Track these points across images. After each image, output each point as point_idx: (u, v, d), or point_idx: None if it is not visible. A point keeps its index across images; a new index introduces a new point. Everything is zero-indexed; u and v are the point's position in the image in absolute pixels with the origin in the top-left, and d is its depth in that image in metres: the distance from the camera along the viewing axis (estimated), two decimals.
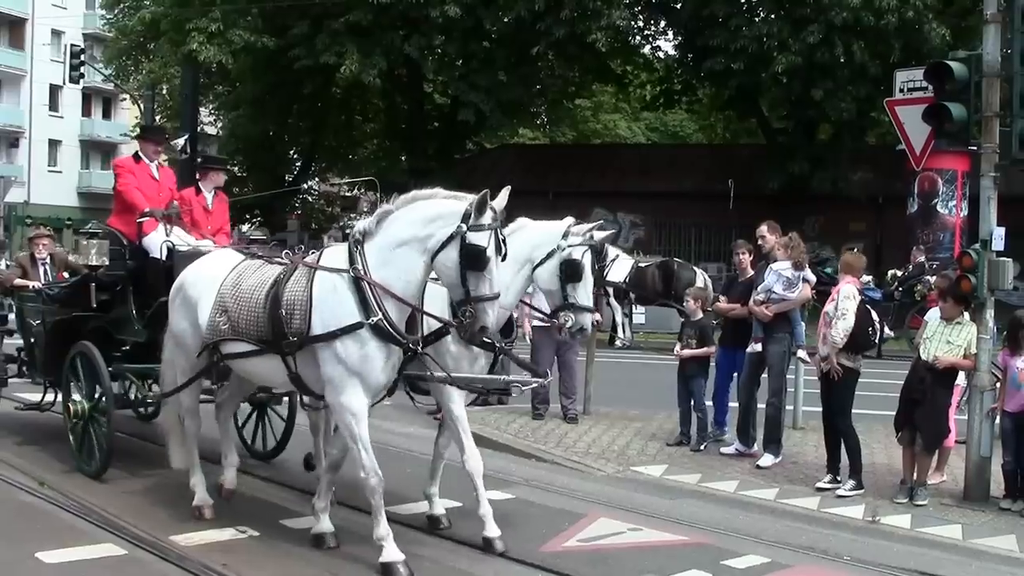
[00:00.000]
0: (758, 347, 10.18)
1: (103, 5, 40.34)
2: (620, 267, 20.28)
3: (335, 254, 6.72)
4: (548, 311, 8.11)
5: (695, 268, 21.33)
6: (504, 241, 6.28)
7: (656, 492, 9.06)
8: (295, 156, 41.43)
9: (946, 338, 8.79)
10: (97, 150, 61.98)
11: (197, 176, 10.11)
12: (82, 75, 37.08)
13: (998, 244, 8.90)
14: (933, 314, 9.40)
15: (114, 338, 9.13)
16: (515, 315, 7.81)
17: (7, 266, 15.10)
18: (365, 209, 42.85)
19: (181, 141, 29.87)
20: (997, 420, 8.84)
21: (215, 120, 41.68)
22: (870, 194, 30.46)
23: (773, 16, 28.63)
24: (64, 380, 9.07)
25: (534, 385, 8.36)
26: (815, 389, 9.86)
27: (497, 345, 7.22)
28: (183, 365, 7.65)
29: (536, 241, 7.28)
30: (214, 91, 38.86)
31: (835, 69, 27.21)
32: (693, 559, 6.98)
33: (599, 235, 7.54)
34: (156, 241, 8.81)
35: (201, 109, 37.63)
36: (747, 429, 10.41)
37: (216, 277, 7.23)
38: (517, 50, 31.02)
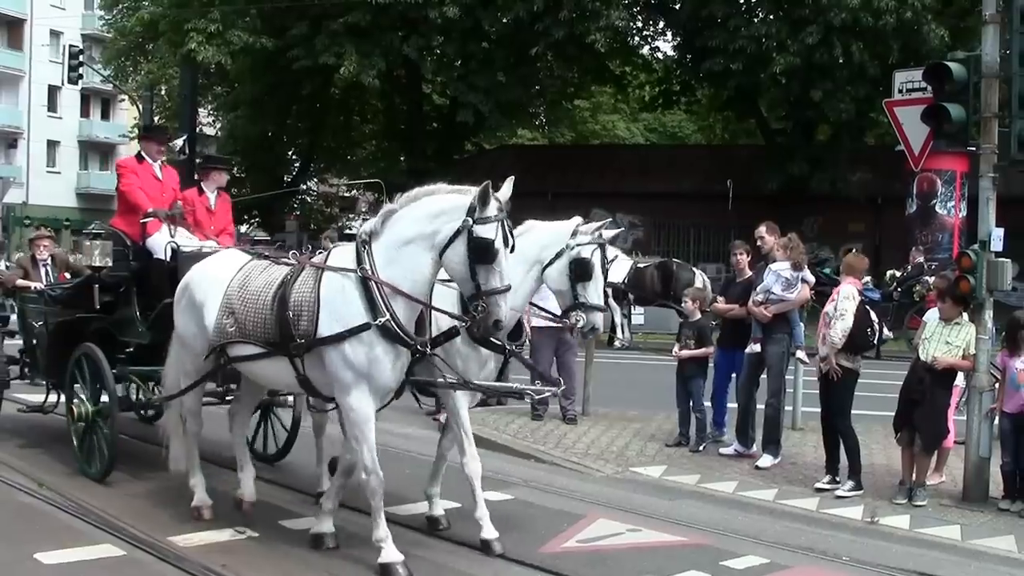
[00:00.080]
0: (757, 348, 10.18)
1: (102, 6, 40.35)
2: (619, 268, 20.26)
3: (342, 254, 6.65)
4: (552, 311, 8.08)
5: (694, 269, 21.35)
6: (511, 232, 6.24)
7: (655, 493, 9.06)
8: (294, 157, 41.41)
9: (945, 339, 8.79)
10: (96, 151, 62.01)
11: (199, 176, 10.07)
12: (81, 76, 37.14)
13: (997, 245, 8.90)
14: (932, 315, 9.41)
15: (117, 340, 9.05)
16: (524, 318, 7.76)
17: (7, 267, 15.11)
18: (364, 209, 42.88)
19: (180, 142, 29.89)
20: (996, 421, 8.85)
21: (214, 121, 41.65)
22: (869, 195, 30.48)
23: (772, 17, 28.65)
24: (67, 382, 9.00)
25: (547, 395, 8.29)
26: (814, 390, 9.86)
27: (507, 348, 7.16)
28: (188, 368, 7.59)
29: (544, 241, 7.22)
30: (213, 92, 38.85)
31: (834, 70, 27.22)
32: (692, 560, 6.98)
33: (608, 233, 7.46)
34: (160, 242, 8.74)
35: (200, 110, 37.61)
36: (746, 430, 10.41)
37: (222, 278, 7.16)
38: (516, 51, 31.02)
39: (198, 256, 8.12)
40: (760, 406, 10.30)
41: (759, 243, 10.54)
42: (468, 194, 6.18)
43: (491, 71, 30.32)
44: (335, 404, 6.89)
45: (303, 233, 36.74)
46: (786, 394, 10.62)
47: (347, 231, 48.34)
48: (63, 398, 9.47)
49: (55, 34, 56.08)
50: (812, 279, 10.41)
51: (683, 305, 11.40)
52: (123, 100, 53.09)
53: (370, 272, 6.34)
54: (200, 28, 28.76)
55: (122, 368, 8.86)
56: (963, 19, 27.93)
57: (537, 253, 7.17)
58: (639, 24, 33.63)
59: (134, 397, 9.72)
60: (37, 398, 10.34)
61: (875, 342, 9.19)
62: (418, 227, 6.30)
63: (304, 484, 8.67)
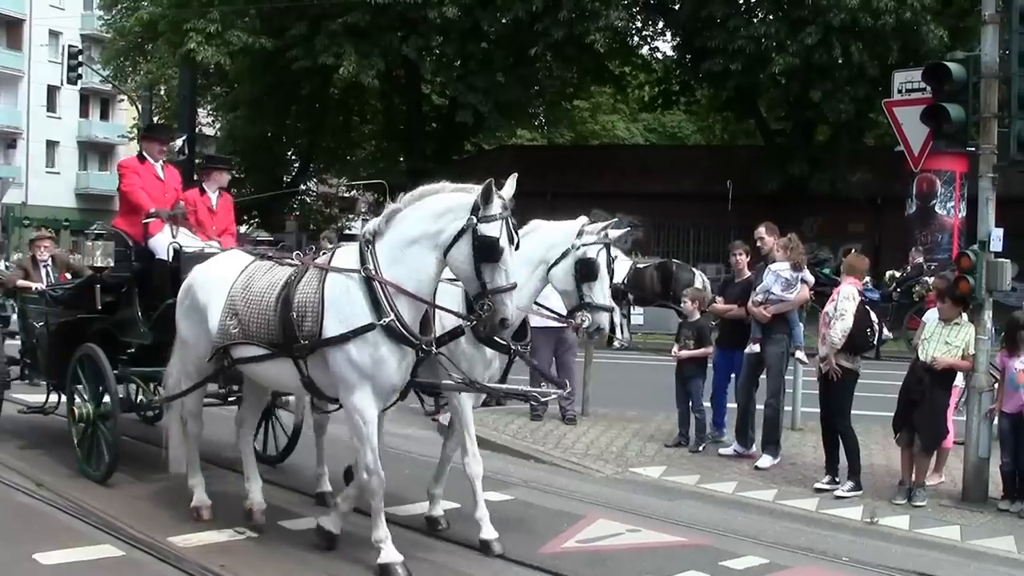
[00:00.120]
0: (756, 348, 10.18)
1: (101, 6, 40.35)
2: (619, 268, 20.24)
3: (347, 255, 6.61)
4: (556, 310, 8.05)
5: (693, 269, 21.35)
6: (516, 230, 6.21)
7: (655, 493, 9.06)
8: (293, 157, 41.41)
9: (944, 339, 8.80)
10: (95, 151, 62.00)
11: (201, 176, 10.03)
12: (80, 76, 37.08)
13: (996, 245, 8.90)
14: (931, 315, 9.41)
15: (119, 341, 8.99)
16: (531, 321, 7.72)
17: (7, 267, 15.13)
18: (363, 210, 42.85)
19: (179, 142, 29.87)
20: (995, 421, 8.85)
21: (213, 121, 41.65)
22: (868, 195, 30.49)
23: (771, 17, 28.66)
24: (68, 383, 8.96)
25: (553, 397, 8.24)
26: (813, 390, 9.87)
27: (513, 347, 7.13)
28: (190, 369, 7.55)
29: (550, 241, 7.19)
30: (212, 92, 38.85)
31: (833, 70, 27.24)
32: (692, 560, 6.98)
33: (614, 233, 7.44)
34: (162, 242, 8.68)
35: (199, 110, 37.62)
36: (745, 430, 10.41)
37: (225, 279, 7.12)
38: (515, 51, 31.03)
39: (200, 257, 8.09)
40: (759, 406, 10.30)
41: (758, 243, 10.53)
42: (472, 192, 6.15)
43: (490, 71, 30.33)
44: (339, 405, 6.85)
45: (302, 233, 36.73)
46: (785, 394, 10.62)
47: (346, 231, 48.43)
48: (64, 399, 9.43)
49: (54, 34, 56.06)
50: (811, 279, 10.41)
51: (682, 305, 11.40)
52: (122, 100, 53.06)
53: (374, 272, 6.31)
54: (199, 28, 28.77)
55: (124, 369, 8.80)
56: (962, 19, 27.93)
57: (543, 253, 7.14)
58: (638, 24, 33.65)
59: (135, 398, 9.69)
60: (36, 398, 10.33)
61: (875, 343, 9.18)
62: (422, 226, 6.27)
63: (304, 485, 8.66)
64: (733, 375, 10.79)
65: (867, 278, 17.26)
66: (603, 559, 7.06)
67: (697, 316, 11.05)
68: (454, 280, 6.58)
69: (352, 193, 43.10)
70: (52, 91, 56.71)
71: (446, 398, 7.50)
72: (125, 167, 9.44)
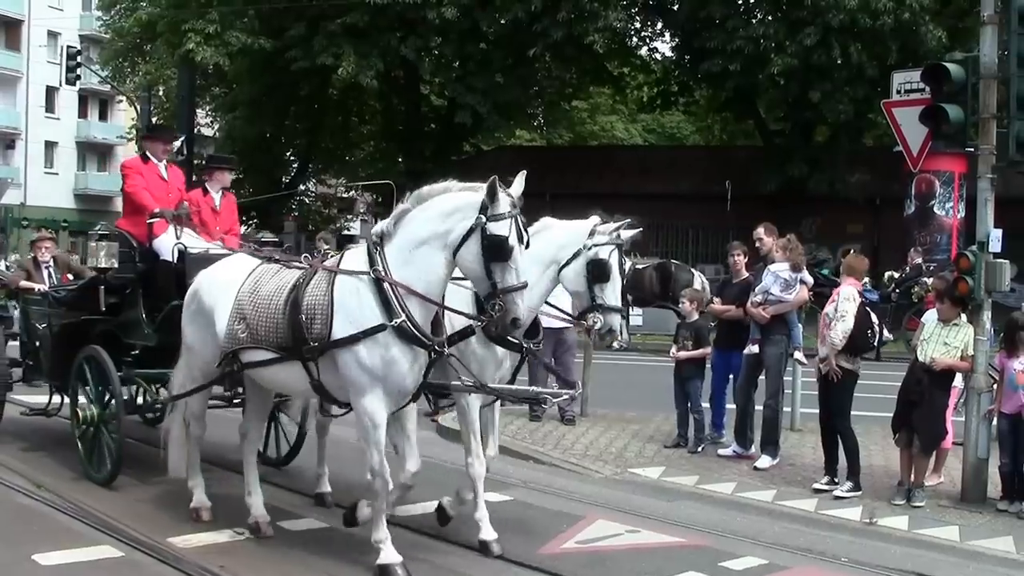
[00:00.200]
0: (755, 349, 10.19)
1: (99, 6, 40.31)
2: None
3: (355, 257, 6.56)
4: (563, 310, 8.01)
5: (692, 270, 21.36)
6: (526, 228, 6.17)
7: (654, 494, 9.07)
8: (292, 158, 41.37)
9: (943, 340, 8.80)
10: (93, 152, 61.99)
11: (203, 176, 9.97)
12: (78, 76, 37.08)
13: (995, 246, 8.91)
14: (930, 316, 9.43)
15: (123, 342, 8.91)
16: (554, 322, 7.65)
17: (7, 267, 15.13)
18: (362, 210, 42.81)
19: (177, 143, 29.81)
20: (994, 422, 8.85)
21: (212, 122, 41.61)
22: (867, 196, 30.48)
23: (770, 18, 28.67)
24: (72, 385, 8.89)
25: (565, 398, 8.18)
26: (812, 391, 9.87)
27: (525, 347, 7.08)
28: (196, 374, 7.49)
29: (561, 241, 7.12)
30: (211, 93, 38.82)
31: (832, 71, 27.23)
32: (691, 561, 6.98)
33: (626, 234, 7.36)
34: (167, 243, 8.58)
35: (198, 111, 37.59)
36: (744, 431, 10.41)
37: (232, 283, 7.05)
38: (514, 52, 31.03)
39: (205, 258, 8.03)
40: (758, 407, 10.31)
41: (757, 244, 10.54)
42: (480, 191, 6.09)
43: (489, 72, 30.33)
44: (348, 409, 6.79)
45: (301, 234, 36.71)
46: (784, 395, 10.63)
47: (345, 232, 48.37)
48: (66, 401, 9.39)
49: (53, 35, 56.07)
50: (810, 280, 10.42)
51: (680, 306, 11.39)
52: (121, 101, 53.09)
53: (383, 273, 6.27)
54: (198, 29, 28.75)
55: (128, 371, 8.71)
56: (961, 20, 27.94)
57: (554, 253, 7.07)
58: (637, 25, 33.67)
59: (139, 400, 9.65)
60: (37, 399, 10.31)
61: (875, 344, 9.18)
62: (431, 227, 6.22)
63: (303, 485, 8.66)
64: (731, 376, 10.79)
65: (866, 279, 17.30)
66: (602, 560, 7.06)
67: (695, 317, 11.06)
68: (461, 280, 6.52)
69: (351, 194, 43.10)
70: (51, 92, 56.71)
71: (453, 399, 7.42)
72: (128, 167, 9.36)
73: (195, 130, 35.98)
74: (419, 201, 6.36)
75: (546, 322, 7.73)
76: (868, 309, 9.20)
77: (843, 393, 9.04)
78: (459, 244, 6.09)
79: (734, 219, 27.64)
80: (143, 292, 8.73)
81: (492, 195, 6.01)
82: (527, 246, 6.19)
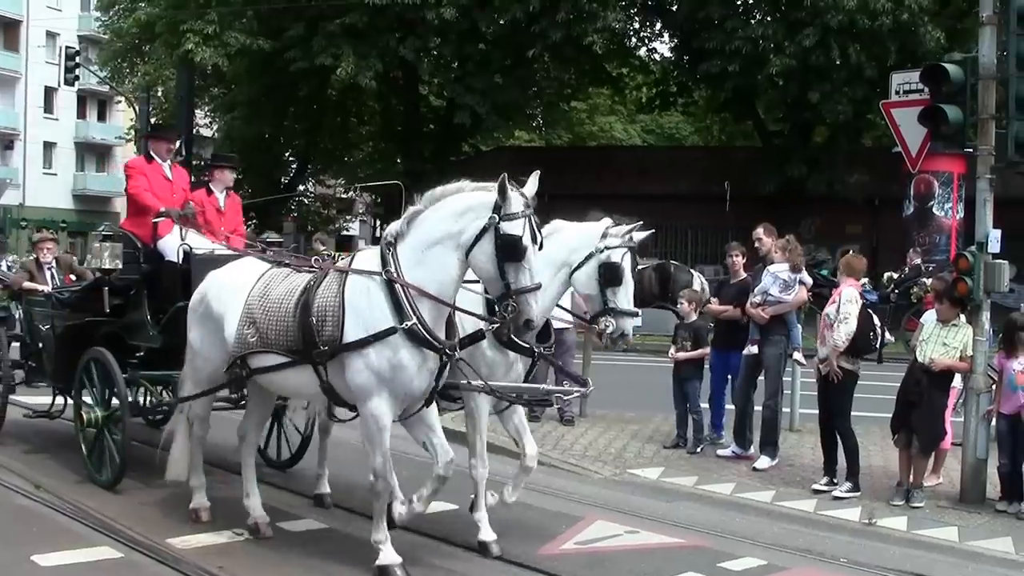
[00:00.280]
0: (754, 349, 10.19)
1: (98, 7, 40.26)
2: None
3: (368, 258, 6.52)
4: (572, 311, 7.96)
5: (692, 271, 21.35)
6: (539, 228, 6.12)
7: (653, 495, 9.07)
8: (291, 158, 41.33)
9: (942, 340, 8.81)
10: (92, 152, 62.03)
11: (207, 176, 9.92)
12: (77, 77, 37.07)
13: (994, 246, 8.91)
14: (929, 316, 9.43)
15: (127, 344, 8.84)
16: (557, 323, 7.60)
17: (8, 267, 15.12)
18: (361, 211, 42.78)
19: (176, 143, 29.77)
20: (993, 422, 8.85)
21: (211, 122, 41.58)
22: (866, 196, 30.49)
23: (769, 19, 28.68)
24: (76, 387, 8.81)
25: (576, 396, 8.15)
26: (812, 391, 9.87)
27: (536, 349, 7.03)
28: (202, 378, 7.44)
29: (573, 244, 7.06)
30: (210, 93, 38.77)
31: (831, 71, 27.24)
32: (690, 561, 6.99)
33: (638, 236, 7.30)
34: (172, 244, 8.52)
35: (197, 111, 37.53)
36: (744, 431, 10.41)
37: (242, 287, 6.99)
38: (513, 52, 31.02)
39: (211, 259, 7.99)
40: (757, 408, 10.31)
41: (756, 245, 10.54)
42: (493, 191, 6.04)
43: (488, 73, 30.32)
44: (357, 412, 6.71)
45: (300, 235, 36.69)
46: (783, 396, 10.63)
47: (344, 232, 48.29)
48: (70, 403, 9.33)
49: (51, 35, 56.10)
50: (809, 281, 10.42)
51: (679, 307, 11.38)
52: (120, 102, 53.13)
53: (395, 274, 6.21)
54: (197, 29, 28.71)
55: (133, 373, 8.66)
56: (960, 21, 27.98)
57: (566, 255, 7.02)
58: (636, 26, 33.65)
59: (142, 402, 9.60)
60: (37, 400, 10.29)
61: (877, 346, 9.15)
62: (444, 227, 6.16)
63: (303, 486, 8.66)
64: (730, 376, 10.79)
65: (865, 280, 17.31)
66: (601, 560, 7.07)
67: (694, 317, 11.06)
68: (471, 283, 6.45)
69: (350, 194, 43.08)
70: (49, 92, 56.74)
71: (462, 401, 7.33)
72: (132, 168, 9.30)
73: (194, 131, 35.93)
74: (432, 201, 6.30)
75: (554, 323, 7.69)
76: (870, 311, 9.20)
77: (843, 393, 9.03)
78: (472, 244, 6.03)
79: (733, 220, 27.64)
80: (148, 293, 8.66)
81: (503, 194, 5.96)
82: (541, 247, 6.13)
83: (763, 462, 9.96)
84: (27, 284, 11.03)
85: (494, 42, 31.03)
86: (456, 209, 6.15)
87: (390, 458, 6.42)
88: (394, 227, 6.43)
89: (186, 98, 33.51)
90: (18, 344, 10.77)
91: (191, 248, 8.36)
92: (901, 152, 12.42)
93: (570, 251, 7.05)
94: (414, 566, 6.50)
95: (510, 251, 5.90)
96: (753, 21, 29.07)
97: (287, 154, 40.89)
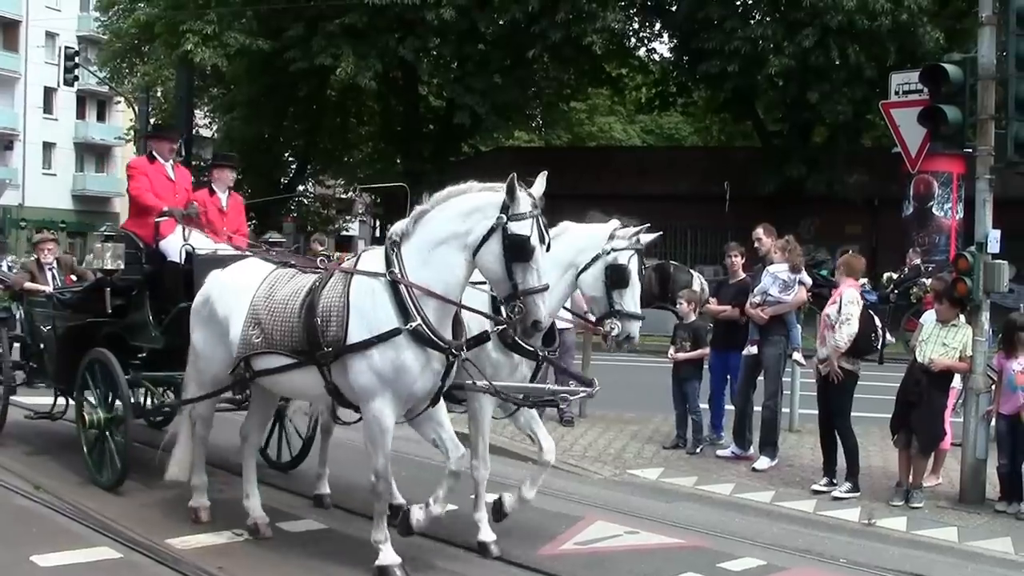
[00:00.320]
0: (754, 350, 10.19)
1: (97, 7, 40.27)
2: None
3: (373, 258, 6.48)
4: (574, 312, 7.93)
5: (691, 271, 21.33)
6: (547, 229, 6.09)
7: (652, 495, 9.07)
8: (290, 158, 41.32)
9: (942, 340, 8.81)
10: (91, 153, 62.02)
11: (208, 176, 9.89)
12: (76, 77, 37.07)
13: (994, 246, 8.92)
14: (929, 316, 9.43)
15: (129, 345, 8.80)
16: (558, 323, 7.56)
17: (9, 268, 15.12)
18: (360, 211, 42.74)
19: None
20: (992, 423, 8.85)
21: (210, 123, 41.58)
22: (866, 196, 30.48)
23: (768, 19, 28.67)
24: (78, 388, 8.78)
25: (582, 396, 8.13)
26: (811, 392, 9.87)
27: (541, 352, 7.01)
28: (206, 380, 7.42)
29: (580, 245, 7.04)
30: (209, 94, 38.77)
31: (830, 72, 27.24)
32: (689, 562, 6.99)
33: (646, 238, 7.27)
34: (174, 244, 8.48)
35: (196, 112, 37.53)
36: (743, 432, 10.41)
37: (247, 289, 6.95)
38: (512, 53, 31.02)
39: (213, 259, 7.97)
40: (757, 408, 10.31)
41: (756, 245, 10.54)
42: (501, 191, 6.01)
43: (487, 73, 30.31)
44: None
45: (300, 235, 36.68)
46: (783, 396, 10.63)
47: (344, 232, 48.21)
48: (71, 403, 9.30)
49: (51, 36, 56.09)
50: (809, 281, 10.43)
51: (678, 307, 11.38)
52: (119, 102, 53.12)
53: (399, 275, 6.19)
54: (196, 30, 28.69)
55: (135, 374, 8.63)
56: (959, 21, 27.98)
57: (572, 257, 7.00)
58: (636, 26, 33.63)
59: (144, 402, 9.57)
60: (37, 401, 10.28)
61: (879, 347, 9.14)
62: (451, 227, 6.12)
63: (302, 486, 8.66)
64: (729, 376, 10.79)
65: (864, 280, 17.31)
66: (601, 561, 7.07)
67: (693, 318, 11.06)
68: (478, 284, 6.43)
69: (350, 194, 43.07)
70: (48, 93, 56.75)
71: (467, 402, 7.31)
72: (134, 168, 9.26)
73: (193, 131, 35.93)
74: (438, 201, 6.27)
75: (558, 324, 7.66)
76: (872, 313, 9.20)
77: (843, 394, 9.03)
78: (479, 244, 6.00)
79: (732, 220, 27.63)
80: (150, 294, 8.63)
81: (512, 193, 5.93)
82: (548, 248, 6.10)
83: (763, 462, 9.97)
84: (28, 284, 11.00)
85: (493, 42, 31.03)
86: (463, 209, 6.12)
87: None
88: (399, 226, 6.40)
89: (185, 98, 33.51)
90: (18, 345, 10.76)
91: (193, 248, 8.33)
92: (900, 152, 12.44)
93: (577, 252, 7.03)
94: (414, 566, 6.50)
95: (518, 251, 5.87)
96: (752, 21, 29.04)
97: (286, 154, 40.88)
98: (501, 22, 30.02)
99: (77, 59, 36.30)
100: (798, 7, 26.95)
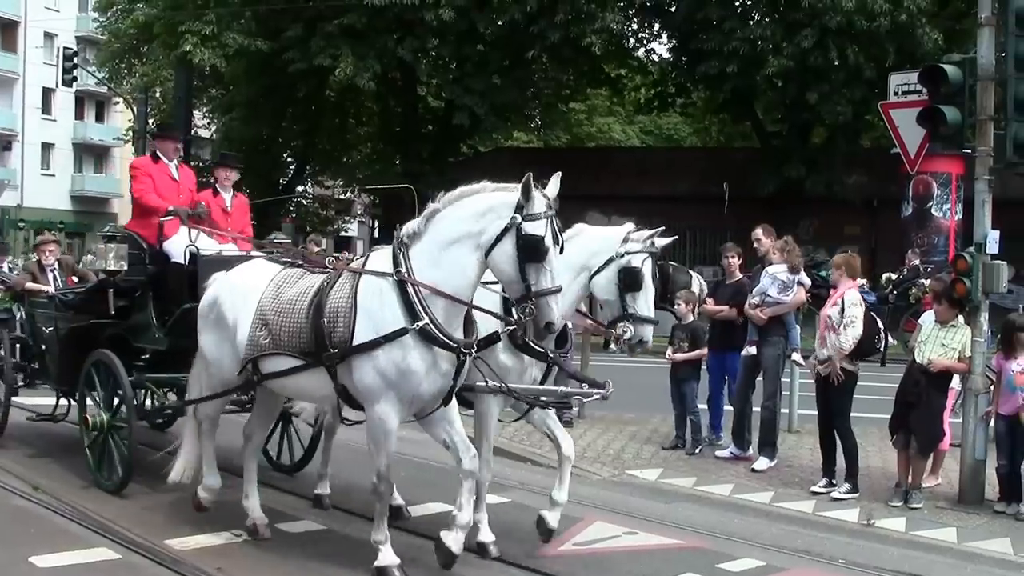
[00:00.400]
0: (753, 350, 10.19)
1: (96, 8, 40.24)
2: None
3: (381, 258, 6.41)
4: (585, 313, 7.91)
5: (691, 272, 21.31)
6: (561, 231, 6.06)
7: (651, 496, 9.07)
8: (289, 159, 41.31)
9: (940, 341, 8.81)
10: (90, 153, 61.94)
11: (212, 176, 9.84)
12: (75, 78, 37.00)
13: (992, 247, 8.92)
14: (927, 317, 9.43)
15: (132, 346, 8.75)
16: (570, 325, 7.51)
17: (9, 268, 15.11)
18: (359, 212, 42.75)
19: None
20: (991, 423, 8.85)
21: (209, 123, 41.57)
22: (865, 197, 30.48)
23: (767, 20, 28.66)
24: (81, 390, 8.73)
25: (595, 397, 8.14)
26: (810, 392, 9.87)
27: (550, 355, 6.97)
28: (215, 383, 7.37)
29: (593, 248, 7.00)
30: (208, 94, 38.74)
31: (829, 72, 27.22)
32: (688, 563, 6.99)
33: (660, 242, 7.22)
34: (178, 245, 8.44)
35: (195, 112, 37.51)
36: (742, 432, 10.41)
37: (254, 290, 6.91)
38: (511, 53, 31.02)
39: (218, 260, 7.93)
40: (756, 409, 10.31)
41: (755, 245, 10.54)
42: (515, 191, 5.96)
43: (486, 74, 30.31)
44: None
45: (298, 235, 36.66)
46: (782, 397, 10.63)
47: (343, 233, 48.18)
48: (73, 405, 9.26)
49: (49, 36, 56.03)
50: (808, 282, 10.42)
51: (676, 307, 11.38)
52: (118, 103, 53.01)
53: (406, 274, 6.13)
54: (195, 30, 28.68)
55: (139, 375, 8.59)
56: (958, 22, 27.97)
57: (585, 259, 6.97)
58: (634, 27, 33.62)
59: (146, 404, 9.55)
60: (38, 402, 10.25)
61: (881, 349, 9.13)
62: (464, 226, 6.06)
63: (302, 487, 8.65)
64: (727, 377, 10.79)
65: (863, 280, 17.30)
66: (600, 561, 7.07)
67: (691, 318, 11.06)
68: (488, 285, 6.38)
69: (349, 194, 43.07)
70: (47, 93, 56.69)
71: (474, 403, 7.23)
72: (137, 168, 9.21)
73: (192, 132, 35.90)
74: (451, 201, 6.22)
75: None
76: (874, 315, 9.18)
77: (843, 394, 9.02)
78: (492, 244, 5.94)
79: (732, 221, 27.62)
80: (153, 295, 8.59)
81: (527, 193, 5.89)
82: (562, 250, 6.06)
83: (762, 463, 9.97)
84: (30, 285, 10.98)
85: (492, 43, 31.02)
86: (477, 209, 6.07)
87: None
88: (410, 226, 6.33)
89: (184, 99, 33.48)
90: (20, 346, 10.72)
91: (198, 249, 8.28)
92: (900, 153, 12.45)
93: (590, 255, 7.00)
94: (413, 567, 6.49)
95: (532, 252, 5.82)
96: (751, 22, 29.02)
97: (285, 155, 40.86)
98: (500, 23, 30.01)
99: (76, 60, 36.24)
100: (797, 8, 26.95)
